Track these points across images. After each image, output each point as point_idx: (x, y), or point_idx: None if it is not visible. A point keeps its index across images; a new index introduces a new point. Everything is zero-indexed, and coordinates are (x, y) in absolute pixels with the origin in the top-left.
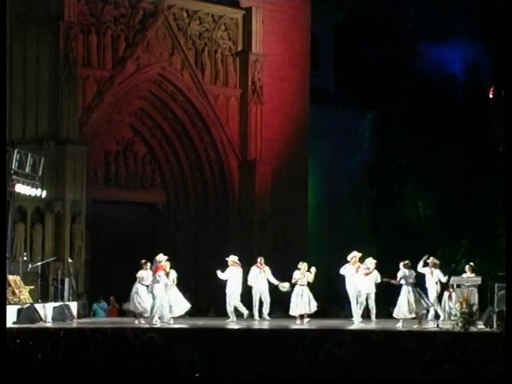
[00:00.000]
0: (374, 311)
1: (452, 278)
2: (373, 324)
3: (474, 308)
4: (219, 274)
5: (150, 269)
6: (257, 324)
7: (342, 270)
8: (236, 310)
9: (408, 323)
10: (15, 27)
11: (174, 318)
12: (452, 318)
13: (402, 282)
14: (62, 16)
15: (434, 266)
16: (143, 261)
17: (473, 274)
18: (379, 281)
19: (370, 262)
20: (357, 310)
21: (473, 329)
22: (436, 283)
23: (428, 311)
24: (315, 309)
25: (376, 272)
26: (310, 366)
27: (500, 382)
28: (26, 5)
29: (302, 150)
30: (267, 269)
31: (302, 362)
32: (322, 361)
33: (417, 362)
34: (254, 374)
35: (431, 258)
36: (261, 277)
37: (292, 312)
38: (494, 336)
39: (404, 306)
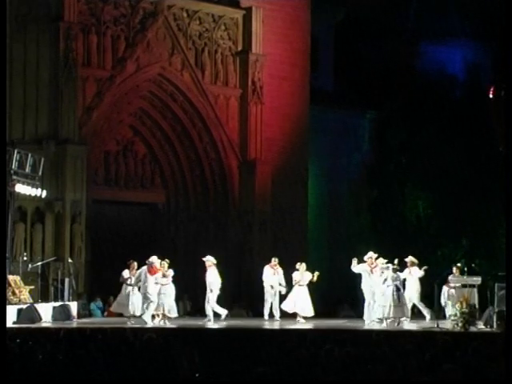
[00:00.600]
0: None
1: (452, 278)
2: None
3: (474, 308)
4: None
5: (137, 269)
6: (257, 324)
7: (356, 268)
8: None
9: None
10: (15, 27)
11: (173, 318)
12: (452, 318)
13: (389, 283)
14: (62, 16)
15: (412, 264)
16: (130, 261)
17: (461, 276)
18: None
19: (381, 262)
20: (369, 310)
21: (473, 329)
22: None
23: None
24: (310, 314)
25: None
26: (310, 366)
27: (500, 381)
28: (26, 5)
29: (302, 150)
30: (280, 270)
31: (302, 362)
32: (322, 361)
33: (417, 362)
34: (254, 374)
35: (409, 257)
36: (274, 278)
37: (283, 307)
38: (494, 336)
39: (386, 308)
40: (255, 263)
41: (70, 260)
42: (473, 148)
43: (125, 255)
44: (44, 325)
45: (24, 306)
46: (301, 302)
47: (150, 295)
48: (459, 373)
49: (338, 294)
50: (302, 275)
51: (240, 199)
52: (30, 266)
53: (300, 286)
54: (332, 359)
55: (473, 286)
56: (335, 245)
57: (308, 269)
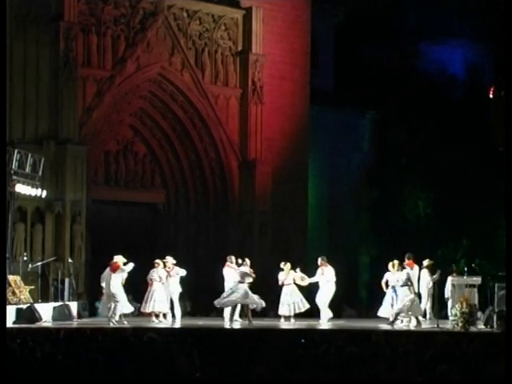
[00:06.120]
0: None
1: (452, 278)
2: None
3: (474, 308)
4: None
5: (164, 268)
6: (257, 324)
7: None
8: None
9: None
10: (15, 27)
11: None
12: (452, 318)
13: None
14: (62, 16)
15: (324, 265)
16: (156, 261)
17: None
18: None
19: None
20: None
21: (473, 329)
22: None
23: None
24: (306, 307)
25: None
26: (310, 366)
27: (500, 382)
28: (26, 5)
29: (302, 150)
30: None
31: (301, 362)
32: (321, 361)
33: (416, 362)
34: (253, 374)
35: (320, 258)
36: (234, 277)
37: (280, 312)
38: (494, 336)
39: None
40: (255, 263)
41: (70, 260)
42: (473, 148)
43: (125, 255)
44: (44, 325)
45: (24, 306)
46: (293, 303)
47: (116, 295)
48: (459, 373)
49: (338, 293)
50: (287, 275)
51: (240, 199)
52: (30, 265)
53: (287, 285)
54: (331, 359)
55: (473, 285)
56: (335, 245)
57: (308, 268)
